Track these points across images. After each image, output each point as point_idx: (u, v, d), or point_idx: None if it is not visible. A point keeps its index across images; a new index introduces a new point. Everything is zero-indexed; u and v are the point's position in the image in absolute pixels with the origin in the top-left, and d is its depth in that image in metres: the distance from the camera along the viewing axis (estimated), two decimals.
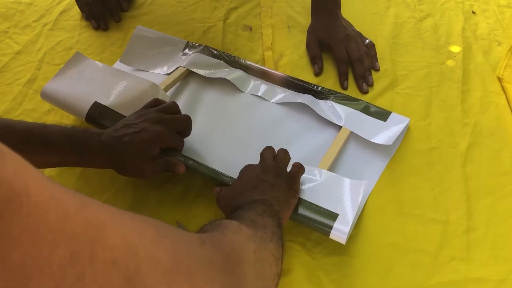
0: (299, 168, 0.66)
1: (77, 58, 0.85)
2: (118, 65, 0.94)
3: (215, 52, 0.92)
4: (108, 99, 0.78)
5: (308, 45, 0.95)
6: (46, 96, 0.81)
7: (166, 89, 0.86)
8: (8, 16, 1.07)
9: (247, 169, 0.66)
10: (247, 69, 0.90)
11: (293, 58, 0.94)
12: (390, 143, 0.74)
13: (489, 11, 1.00)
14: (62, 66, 0.84)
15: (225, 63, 0.91)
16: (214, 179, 0.70)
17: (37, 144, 0.62)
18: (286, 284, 0.64)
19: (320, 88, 0.85)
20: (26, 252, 0.20)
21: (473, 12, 1.00)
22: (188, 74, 0.90)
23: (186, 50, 0.94)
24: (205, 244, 0.37)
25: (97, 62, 0.85)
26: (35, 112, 0.88)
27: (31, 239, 0.20)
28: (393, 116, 0.79)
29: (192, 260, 0.33)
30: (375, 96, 0.86)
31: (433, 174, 0.74)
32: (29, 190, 0.21)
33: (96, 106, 0.77)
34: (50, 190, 0.22)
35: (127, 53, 0.94)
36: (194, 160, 0.72)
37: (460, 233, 0.67)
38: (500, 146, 0.77)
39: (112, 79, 0.81)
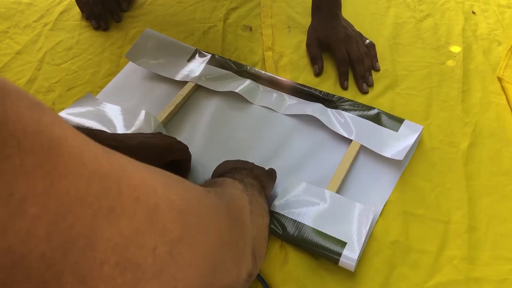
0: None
1: (87, 99, 0.85)
2: (129, 65, 0.94)
3: (223, 61, 0.91)
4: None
5: (308, 45, 0.95)
6: None
7: (177, 107, 0.85)
8: (8, 16, 1.07)
9: (226, 161, 0.68)
10: (255, 77, 0.88)
11: (293, 58, 0.94)
12: (401, 158, 0.73)
13: (489, 11, 1.01)
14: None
15: (233, 73, 0.89)
16: None
17: None
18: (288, 282, 0.64)
19: (330, 96, 0.84)
20: (69, 184, 0.23)
21: (473, 12, 1.00)
22: (198, 88, 0.89)
23: (196, 57, 0.93)
24: (210, 194, 0.40)
25: (105, 102, 0.85)
26: None
27: (73, 174, 0.23)
28: (406, 124, 0.78)
29: (202, 205, 0.37)
30: (375, 97, 0.86)
31: (434, 174, 0.74)
32: (66, 135, 0.24)
33: None
34: (81, 137, 0.26)
35: (134, 51, 0.93)
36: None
37: (461, 233, 0.67)
38: (500, 146, 0.77)
39: (118, 117, 0.82)
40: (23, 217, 0.21)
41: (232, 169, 0.62)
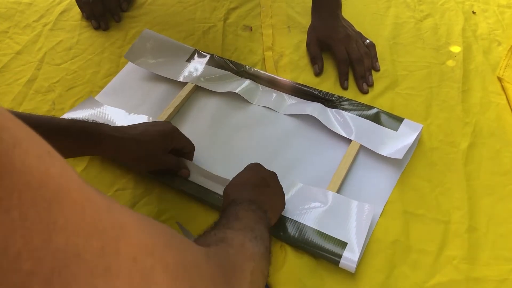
0: None
1: (88, 102, 0.86)
2: (128, 66, 0.94)
3: (222, 61, 0.91)
4: None
5: (308, 45, 0.95)
6: None
7: (177, 108, 0.85)
8: (8, 16, 1.07)
9: (257, 166, 0.66)
10: (255, 77, 0.88)
11: (293, 58, 0.94)
12: (400, 157, 0.72)
13: (489, 11, 1.00)
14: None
15: (232, 74, 0.89)
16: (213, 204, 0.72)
17: (49, 130, 0.61)
18: (288, 282, 0.64)
19: (330, 95, 0.84)
20: (67, 239, 0.23)
21: (473, 12, 1.00)
22: (197, 88, 0.89)
23: (195, 57, 0.93)
24: (210, 260, 0.39)
25: (106, 105, 0.85)
26: (35, 112, 0.88)
27: (72, 229, 0.23)
28: (405, 123, 0.78)
29: (197, 273, 0.35)
30: (375, 97, 0.86)
31: (435, 174, 0.74)
32: (71, 188, 0.24)
33: None
34: (86, 190, 0.25)
35: (133, 52, 0.93)
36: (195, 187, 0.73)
37: (462, 233, 0.67)
38: (500, 146, 0.77)
39: (121, 121, 0.82)
40: (17, 272, 0.20)
41: (248, 202, 0.57)
